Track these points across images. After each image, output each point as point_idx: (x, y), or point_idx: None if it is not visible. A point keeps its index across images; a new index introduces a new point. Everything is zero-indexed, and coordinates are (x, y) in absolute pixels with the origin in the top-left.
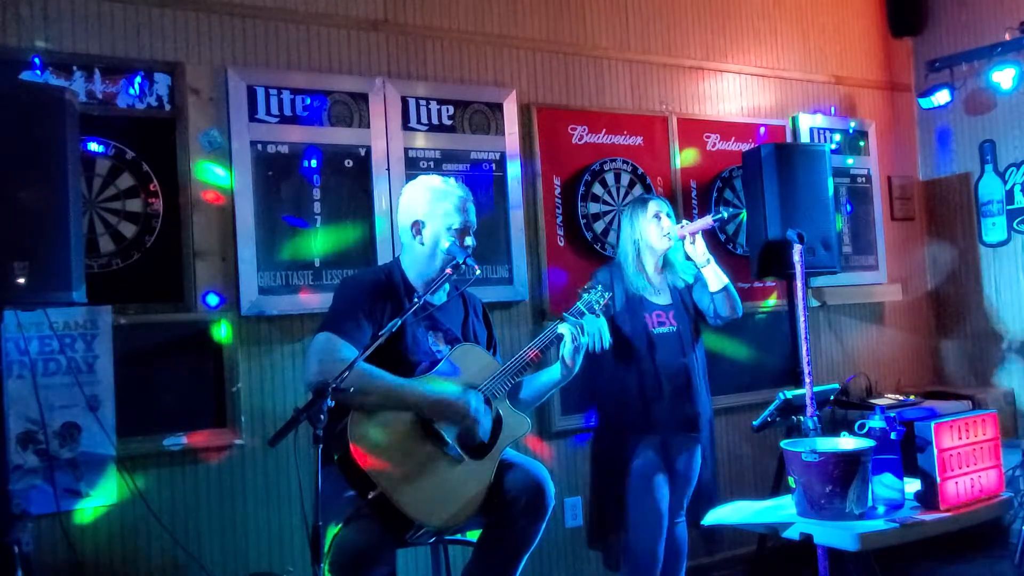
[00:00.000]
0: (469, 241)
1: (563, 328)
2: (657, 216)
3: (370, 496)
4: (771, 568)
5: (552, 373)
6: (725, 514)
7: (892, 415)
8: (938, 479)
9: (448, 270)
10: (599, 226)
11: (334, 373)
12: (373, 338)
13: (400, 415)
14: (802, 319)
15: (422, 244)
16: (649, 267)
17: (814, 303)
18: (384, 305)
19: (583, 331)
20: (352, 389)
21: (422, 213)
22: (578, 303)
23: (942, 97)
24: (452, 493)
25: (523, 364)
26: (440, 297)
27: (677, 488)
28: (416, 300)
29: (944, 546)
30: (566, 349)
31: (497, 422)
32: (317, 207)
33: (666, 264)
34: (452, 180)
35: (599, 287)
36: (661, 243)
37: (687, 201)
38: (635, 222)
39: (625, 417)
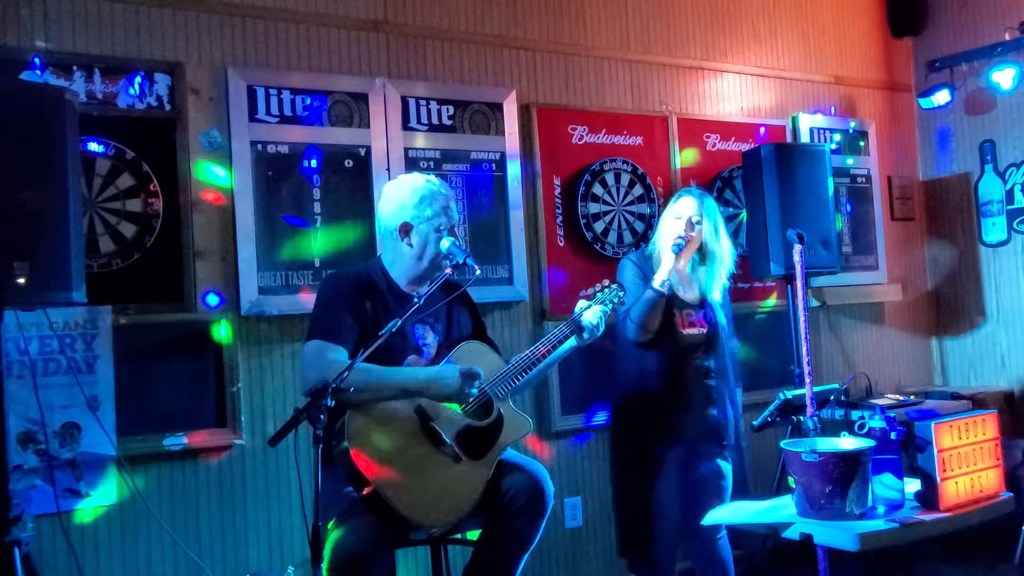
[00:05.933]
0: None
1: (593, 316)
2: (679, 217)
3: (364, 492)
4: (771, 568)
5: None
6: (725, 514)
7: (892, 415)
8: (938, 479)
9: (448, 269)
10: (599, 226)
11: (331, 376)
12: (373, 338)
13: (398, 413)
14: (802, 319)
15: (410, 246)
16: (677, 262)
17: (814, 303)
18: (367, 303)
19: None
20: (352, 389)
21: (410, 216)
22: (591, 301)
23: (942, 97)
24: (447, 492)
25: (531, 363)
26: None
27: (709, 503)
28: (416, 300)
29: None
30: (584, 338)
31: (498, 422)
32: (317, 207)
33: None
34: (434, 179)
35: (613, 286)
36: (667, 244)
37: None
38: (664, 212)
39: (648, 424)
